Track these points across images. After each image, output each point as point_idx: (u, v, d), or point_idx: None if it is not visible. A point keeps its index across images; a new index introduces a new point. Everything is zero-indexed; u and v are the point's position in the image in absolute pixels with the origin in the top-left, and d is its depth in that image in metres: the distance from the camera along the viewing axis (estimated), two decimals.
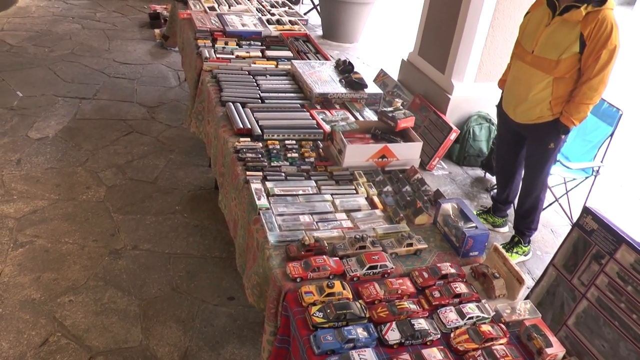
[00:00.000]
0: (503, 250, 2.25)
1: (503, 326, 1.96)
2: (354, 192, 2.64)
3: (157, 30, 7.18)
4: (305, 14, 8.17)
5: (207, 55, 3.83)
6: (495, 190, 4.36)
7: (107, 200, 4.02)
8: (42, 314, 3.06)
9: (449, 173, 4.84)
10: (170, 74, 6.15)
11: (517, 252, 3.90)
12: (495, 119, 4.82)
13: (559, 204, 4.33)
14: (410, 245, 2.29)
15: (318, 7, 8.35)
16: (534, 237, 4.02)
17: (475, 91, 4.97)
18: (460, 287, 2.09)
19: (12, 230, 3.63)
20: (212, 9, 4.80)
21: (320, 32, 7.99)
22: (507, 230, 4.21)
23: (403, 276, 2.16)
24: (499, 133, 4.05)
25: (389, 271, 2.16)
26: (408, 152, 2.89)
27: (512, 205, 4.15)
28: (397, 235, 2.33)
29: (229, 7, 4.93)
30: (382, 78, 5.63)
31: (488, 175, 4.82)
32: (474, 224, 2.35)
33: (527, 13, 3.56)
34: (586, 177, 4.20)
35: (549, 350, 1.87)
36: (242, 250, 2.60)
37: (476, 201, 4.52)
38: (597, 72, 3.19)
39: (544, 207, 3.92)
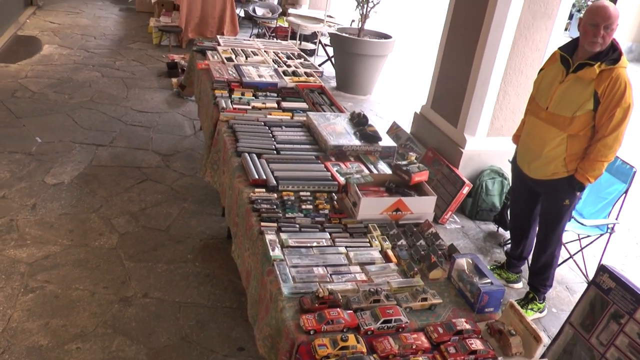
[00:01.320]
0: (519, 307, 2.22)
1: None
2: (368, 245, 2.64)
3: (174, 80, 7.32)
4: (320, 65, 8.32)
5: (224, 106, 3.90)
6: (509, 246, 4.33)
7: (120, 247, 4.03)
8: None
9: (462, 227, 4.82)
10: (186, 122, 6.24)
11: (532, 309, 3.84)
12: (507, 174, 4.84)
13: (574, 260, 4.28)
14: (425, 299, 2.27)
15: (332, 59, 8.51)
16: (549, 294, 3.97)
17: (487, 145, 5.00)
18: (476, 344, 2.06)
19: (24, 275, 3.63)
20: (229, 59, 4.91)
21: (334, 83, 8.12)
22: (522, 286, 4.15)
23: (418, 331, 2.14)
24: (514, 188, 4.05)
25: (403, 325, 2.14)
26: (422, 206, 2.89)
27: (526, 261, 4.12)
28: (411, 290, 2.32)
29: (246, 58, 5.03)
30: (395, 131, 5.68)
31: (501, 230, 4.80)
32: (489, 280, 2.34)
33: (542, 70, 3.61)
34: (601, 234, 4.17)
35: None
36: (255, 300, 2.58)
37: (489, 256, 4.49)
38: (611, 130, 3.21)
39: (558, 263, 3.88)
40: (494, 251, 4.57)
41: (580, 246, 4.26)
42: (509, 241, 4.29)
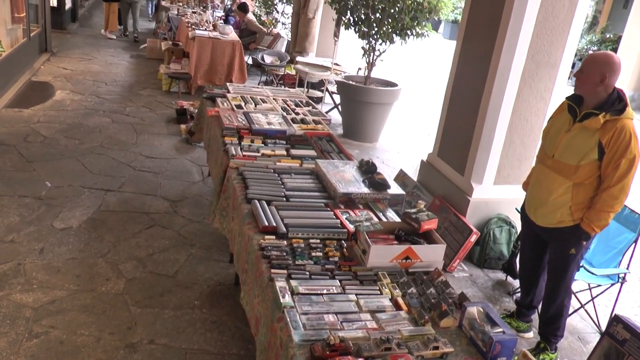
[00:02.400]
0: (532, 357, 2.19)
1: None
2: (379, 292, 2.63)
3: (183, 126, 7.42)
4: (327, 112, 8.42)
5: (234, 153, 3.94)
6: (518, 294, 4.30)
7: (126, 292, 4.01)
8: None
9: (470, 275, 4.80)
10: (194, 169, 6.29)
11: (544, 359, 3.79)
12: (515, 222, 4.85)
13: (585, 310, 4.24)
14: (437, 348, 2.24)
15: (339, 107, 8.62)
16: (561, 344, 3.91)
17: (494, 194, 5.02)
18: None
19: (29, 320, 3.61)
20: (239, 107, 4.98)
21: (341, 130, 8.21)
22: (532, 335, 4.10)
23: None
24: (523, 236, 4.05)
25: None
26: (431, 254, 2.89)
27: (536, 310, 4.08)
28: (422, 338, 2.30)
29: (255, 106, 5.11)
30: (402, 178, 5.71)
31: (510, 279, 4.77)
32: (501, 329, 2.32)
33: (551, 118, 3.67)
34: (612, 284, 4.14)
35: None
36: (264, 348, 2.56)
37: (498, 304, 4.44)
38: (617, 181, 3.23)
39: (569, 313, 3.84)
40: (503, 300, 4.53)
41: (591, 296, 4.22)
42: (519, 290, 4.26)
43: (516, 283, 4.61)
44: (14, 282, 3.95)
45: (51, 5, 11.59)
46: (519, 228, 4.75)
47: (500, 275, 4.85)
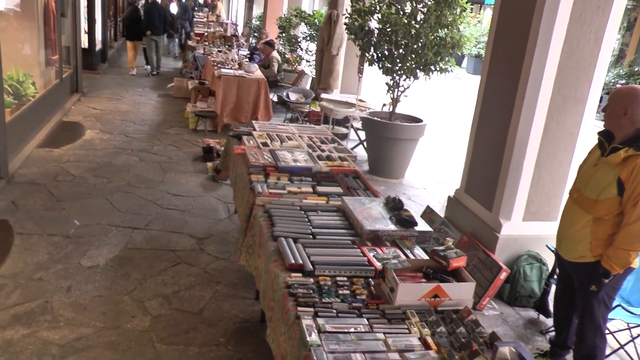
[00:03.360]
0: None
1: None
2: (407, 331, 2.57)
3: (209, 164, 7.50)
4: (352, 148, 8.43)
5: (260, 190, 3.95)
6: (552, 333, 4.18)
7: (152, 329, 4.00)
8: None
9: (501, 314, 4.69)
10: (221, 206, 6.33)
11: None
12: (545, 259, 4.76)
13: (625, 351, 4.09)
14: None
15: (364, 143, 8.64)
16: None
17: (524, 230, 4.94)
18: None
19: (55, 357, 3.61)
20: (265, 144, 5.01)
21: (366, 167, 8.21)
22: None
23: None
24: (558, 272, 3.99)
25: None
26: (460, 292, 2.84)
27: (571, 350, 3.95)
28: None
29: (281, 143, 5.14)
30: (429, 215, 5.66)
31: (542, 317, 4.64)
32: None
33: (588, 153, 3.64)
34: None
35: None
36: None
37: (531, 344, 4.32)
38: (636, 219, 3.15)
39: (607, 354, 3.71)
40: (535, 339, 4.40)
41: (631, 336, 4.07)
42: (552, 329, 4.14)
43: (549, 322, 4.49)
44: (41, 319, 3.97)
45: (82, 46, 11.95)
46: (550, 265, 4.67)
47: (532, 313, 4.73)
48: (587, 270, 3.43)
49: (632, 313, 3.87)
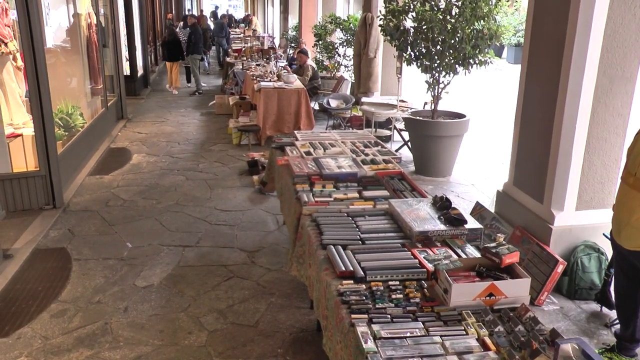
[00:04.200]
0: None
1: None
2: (464, 333, 2.52)
3: (255, 177, 7.56)
4: (396, 150, 8.37)
5: (306, 199, 3.96)
6: (617, 326, 4.02)
7: (209, 344, 4.05)
8: None
9: (561, 308, 4.55)
10: (269, 218, 6.37)
11: None
12: (604, 248, 4.60)
13: None
14: None
15: (408, 143, 8.57)
16: None
17: (578, 220, 4.78)
18: None
19: None
20: (308, 153, 5.02)
21: (412, 167, 8.13)
22: None
23: None
24: (615, 262, 3.83)
25: None
26: (516, 289, 2.77)
27: None
28: None
29: (324, 151, 5.14)
30: (479, 211, 5.55)
31: (605, 310, 4.48)
32: None
33: (637, 134, 3.46)
34: None
35: None
36: None
37: (595, 338, 4.17)
38: None
39: None
40: (600, 333, 4.25)
41: None
42: (617, 321, 3.99)
43: (613, 314, 4.33)
44: (102, 340, 4.07)
45: (125, 74, 12.28)
46: (609, 254, 4.50)
47: (594, 306, 4.57)
48: None
49: None
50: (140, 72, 14.53)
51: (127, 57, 13.49)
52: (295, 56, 12.68)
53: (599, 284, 4.58)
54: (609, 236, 3.81)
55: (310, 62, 12.04)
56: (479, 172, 8.15)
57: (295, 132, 5.89)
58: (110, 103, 10.39)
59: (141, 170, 8.10)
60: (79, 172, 7.75)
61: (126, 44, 13.38)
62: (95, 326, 4.25)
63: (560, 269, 4.52)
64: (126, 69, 13.04)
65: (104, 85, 10.03)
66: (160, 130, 10.59)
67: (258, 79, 10.30)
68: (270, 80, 10.09)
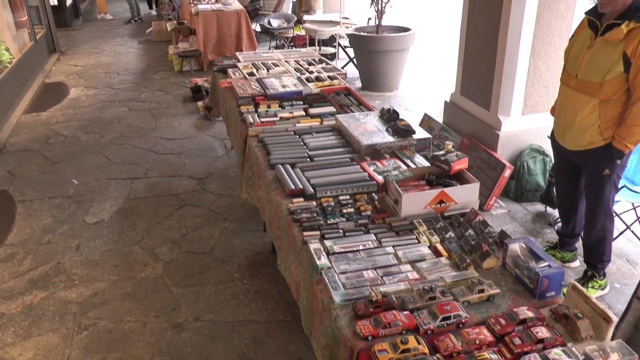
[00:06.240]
0: (582, 288, 2.09)
1: None
2: (416, 241, 2.55)
3: (199, 103, 7.37)
4: (342, 68, 8.24)
5: (251, 121, 3.87)
6: (559, 224, 4.17)
7: (165, 275, 4.02)
8: None
9: (508, 211, 4.68)
10: (217, 143, 6.25)
11: (593, 287, 3.68)
12: (548, 151, 4.69)
13: (632, 231, 4.10)
14: (482, 291, 2.16)
15: (354, 60, 8.44)
16: (609, 269, 3.80)
17: (524, 124, 4.85)
18: (542, 332, 1.95)
19: (76, 314, 3.65)
20: (251, 74, 4.88)
21: (359, 84, 8.06)
22: (579, 264, 3.99)
23: (479, 325, 2.04)
24: (556, 164, 3.91)
25: (463, 321, 2.04)
26: (466, 195, 2.79)
27: (579, 237, 3.95)
28: (466, 283, 2.22)
29: (268, 71, 5.00)
30: (427, 122, 5.57)
31: (549, 209, 4.64)
32: (546, 263, 2.22)
33: (572, 37, 3.47)
34: None
35: None
36: (307, 312, 2.52)
37: (541, 237, 4.34)
38: None
39: (614, 236, 3.71)
40: (544, 232, 4.41)
41: (637, 215, 4.07)
42: (559, 220, 4.13)
43: (556, 213, 4.48)
44: (56, 280, 4.00)
45: (52, 4, 11.54)
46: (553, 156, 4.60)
47: (540, 207, 4.72)
48: (596, 155, 3.34)
49: (637, 192, 3.84)
50: (68, 1, 13.67)
51: None
52: None
53: (544, 185, 4.71)
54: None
55: None
56: (426, 85, 8.14)
57: (237, 53, 5.69)
58: (39, 36, 9.77)
59: (80, 104, 7.76)
60: (12, 111, 7.35)
61: None
62: (47, 267, 4.15)
63: (507, 173, 4.61)
64: None
65: (29, 17, 9.40)
66: (97, 61, 10.11)
67: (195, 2, 9.85)
68: (207, 3, 9.66)
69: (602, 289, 3.73)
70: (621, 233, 4.09)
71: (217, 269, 4.06)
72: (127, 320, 3.59)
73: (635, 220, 4.07)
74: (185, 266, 4.10)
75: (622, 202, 3.99)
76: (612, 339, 1.99)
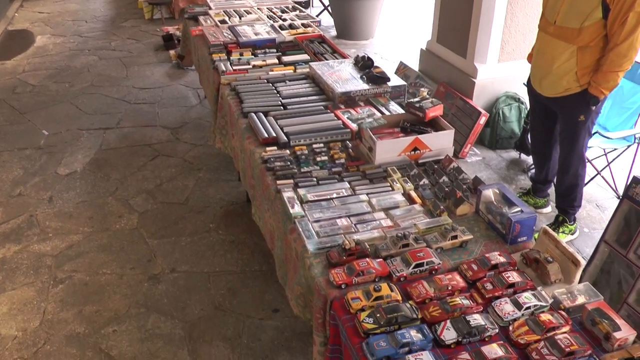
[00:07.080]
0: (553, 233, 2.12)
1: (564, 313, 1.84)
2: (390, 189, 2.55)
3: (172, 52, 7.20)
4: (317, 16, 8.08)
5: (224, 69, 3.78)
6: (533, 171, 4.22)
7: (141, 226, 4.00)
8: (88, 346, 3.04)
9: (483, 158, 4.71)
10: (190, 93, 6.14)
11: (563, 232, 3.76)
12: (524, 98, 4.69)
13: (602, 177, 4.17)
14: (455, 237, 2.18)
15: (329, 8, 8.28)
16: (579, 214, 3.87)
17: (500, 72, 4.84)
18: (513, 276, 1.98)
19: (51, 267, 3.63)
20: (223, 22, 4.75)
21: (333, 32, 7.92)
22: (550, 210, 4.06)
23: (451, 271, 2.06)
24: (531, 110, 3.92)
25: (436, 267, 2.06)
26: (440, 142, 2.78)
27: (552, 184, 4.01)
28: (440, 229, 2.23)
29: (240, 18, 4.87)
30: (403, 70, 5.52)
31: (523, 156, 4.67)
32: (519, 208, 2.24)
33: None
34: (628, 146, 4.04)
35: (617, 335, 1.73)
36: (282, 261, 2.53)
37: (514, 184, 4.38)
38: (624, 37, 3.04)
39: (585, 182, 3.77)
40: (518, 178, 4.46)
41: (607, 161, 4.13)
42: (533, 166, 4.17)
43: (530, 160, 4.52)
44: (29, 233, 3.95)
45: None
46: (528, 103, 4.61)
47: (514, 154, 4.76)
48: (573, 101, 3.36)
49: (608, 138, 3.88)
50: None
51: None
52: None
53: (519, 133, 4.73)
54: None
55: None
56: (402, 33, 8.03)
57: (209, 1, 5.53)
58: None
59: (48, 52, 7.52)
60: None
61: None
62: (19, 220, 4.10)
63: (482, 120, 4.61)
64: None
65: None
66: (64, 8, 9.75)
67: None
68: None
69: (572, 234, 3.80)
70: (592, 178, 4.15)
71: (192, 219, 4.04)
72: (103, 272, 3.58)
73: (606, 166, 4.12)
74: (161, 217, 4.08)
75: (593, 148, 4.02)
76: (580, 281, 2.04)
